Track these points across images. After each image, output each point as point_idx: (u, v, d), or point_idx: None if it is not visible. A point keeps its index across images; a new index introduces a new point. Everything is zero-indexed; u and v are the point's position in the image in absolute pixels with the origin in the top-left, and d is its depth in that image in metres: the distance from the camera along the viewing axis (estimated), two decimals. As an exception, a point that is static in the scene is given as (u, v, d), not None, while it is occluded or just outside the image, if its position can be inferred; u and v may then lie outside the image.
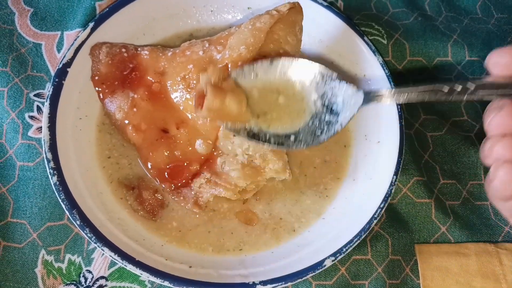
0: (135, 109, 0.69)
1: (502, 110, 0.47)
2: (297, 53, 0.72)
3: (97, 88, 0.71)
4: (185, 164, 0.68)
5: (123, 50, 0.72)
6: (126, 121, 0.69)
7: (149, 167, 0.69)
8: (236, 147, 0.66)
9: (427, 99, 0.53)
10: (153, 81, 0.70)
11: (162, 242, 0.67)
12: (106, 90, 0.70)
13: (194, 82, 0.67)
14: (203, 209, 0.69)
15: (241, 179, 0.66)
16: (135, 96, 0.69)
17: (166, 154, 0.68)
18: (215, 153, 0.68)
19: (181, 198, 0.69)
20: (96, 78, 0.71)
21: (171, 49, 0.72)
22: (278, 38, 0.68)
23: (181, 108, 0.68)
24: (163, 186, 0.69)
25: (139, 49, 0.72)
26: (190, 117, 0.68)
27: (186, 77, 0.67)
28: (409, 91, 0.55)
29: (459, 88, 0.51)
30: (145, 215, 0.68)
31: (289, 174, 0.69)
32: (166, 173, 0.68)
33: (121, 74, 0.70)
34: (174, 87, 0.68)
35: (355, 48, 0.78)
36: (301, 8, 0.70)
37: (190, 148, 0.68)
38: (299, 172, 0.74)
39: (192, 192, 0.68)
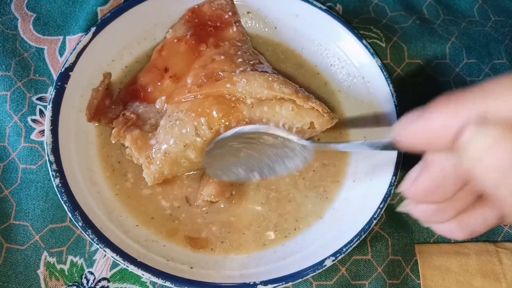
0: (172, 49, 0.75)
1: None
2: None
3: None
4: (142, 95, 0.73)
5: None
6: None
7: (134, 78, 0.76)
8: (172, 138, 0.66)
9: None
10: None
11: (156, 239, 0.68)
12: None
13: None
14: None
15: (158, 167, 0.66)
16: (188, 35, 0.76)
17: (147, 80, 0.73)
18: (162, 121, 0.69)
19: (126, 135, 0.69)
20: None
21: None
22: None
23: (189, 78, 0.71)
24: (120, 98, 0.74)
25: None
26: (189, 82, 0.70)
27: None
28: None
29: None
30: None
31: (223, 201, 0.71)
32: (131, 89, 0.74)
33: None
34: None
35: (354, 51, 0.79)
36: None
37: (158, 94, 0.72)
38: (298, 175, 0.74)
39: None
